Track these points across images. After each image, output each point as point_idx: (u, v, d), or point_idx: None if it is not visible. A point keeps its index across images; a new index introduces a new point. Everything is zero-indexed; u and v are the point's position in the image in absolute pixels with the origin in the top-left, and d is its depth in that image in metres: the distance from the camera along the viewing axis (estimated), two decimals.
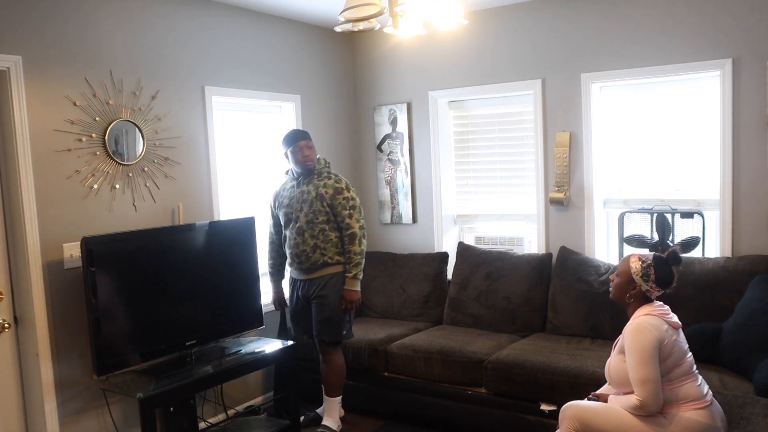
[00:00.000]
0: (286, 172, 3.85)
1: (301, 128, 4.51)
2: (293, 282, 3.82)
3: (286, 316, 4.03)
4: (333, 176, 3.71)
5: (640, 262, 2.57)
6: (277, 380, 4.02)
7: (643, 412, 2.40)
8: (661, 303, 2.58)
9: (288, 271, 3.91)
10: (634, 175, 4.10)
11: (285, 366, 3.80)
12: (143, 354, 3.24)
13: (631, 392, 2.46)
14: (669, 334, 2.45)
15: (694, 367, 2.53)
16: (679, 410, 2.41)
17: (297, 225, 3.65)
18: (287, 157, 3.71)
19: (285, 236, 3.75)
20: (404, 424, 3.83)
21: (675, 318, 2.54)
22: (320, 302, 3.66)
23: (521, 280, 4.09)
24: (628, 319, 2.59)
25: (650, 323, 2.44)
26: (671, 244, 3.83)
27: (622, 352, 2.52)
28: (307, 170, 3.68)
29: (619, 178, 4.15)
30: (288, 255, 3.76)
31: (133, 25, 3.47)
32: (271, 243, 3.89)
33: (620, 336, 2.60)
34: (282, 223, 3.77)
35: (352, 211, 3.63)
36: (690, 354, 2.53)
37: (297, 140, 3.66)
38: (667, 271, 2.55)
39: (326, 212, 3.61)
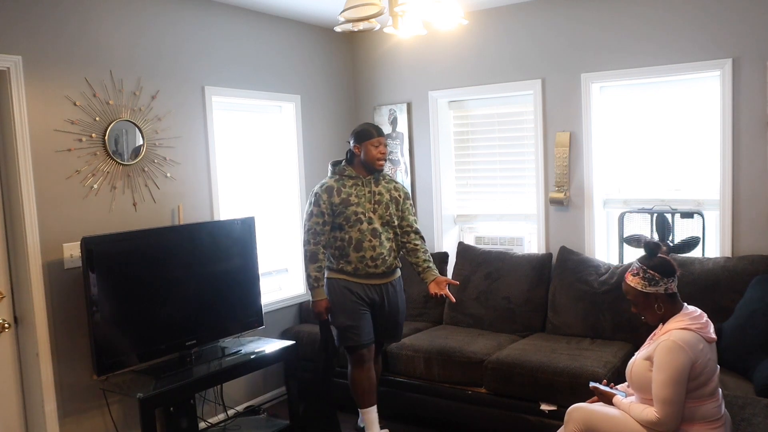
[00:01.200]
0: (337, 165, 3.51)
1: (301, 128, 4.54)
2: (348, 284, 3.42)
3: (329, 327, 3.52)
4: (397, 180, 3.65)
5: (636, 277, 2.48)
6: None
7: (659, 429, 2.33)
8: (700, 312, 2.46)
9: (333, 272, 3.48)
10: (634, 175, 4.10)
11: (290, 366, 3.79)
12: (143, 354, 3.24)
13: (648, 399, 2.39)
14: (704, 353, 2.33)
15: (719, 387, 2.44)
16: (696, 429, 2.34)
17: (371, 227, 3.39)
18: (359, 150, 3.43)
19: (348, 238, 3.38)
20: (404, 424, 3.83)
21: (712, 331, 2.42)
22: (395, 307, 3.54)
23: (521, 280, 4.09)
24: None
25: (686, 342, 2.30)
26: (671, 244, 3.83)
27: (649, 359, 2.41)
28: (378, 169, 3.48)
29: (619, 178, 4.15)
30: (351, 258, 3.38)
31: (133, 25, 3.48)
32: (318, 243, 3.41)
33: (651, 339, 2.50)
34: (339, 223, 3.40)
35: (415, 217, 3.64)
36: (718, 369, 2.44)
37: (377, 135, 3.44)
38: (660, 262, 2.47)
39: (397, 216, 3.52)
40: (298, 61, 4.52)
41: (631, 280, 2.49)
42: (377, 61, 4.88)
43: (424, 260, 3.53)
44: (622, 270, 3.76)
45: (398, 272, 3.57)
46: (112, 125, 3.34)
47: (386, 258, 3.44)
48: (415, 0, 2.38)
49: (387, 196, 3.48)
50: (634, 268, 2.50)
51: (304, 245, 3.43)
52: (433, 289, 3.44)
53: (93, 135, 3.28)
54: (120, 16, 3.42)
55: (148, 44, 3.55)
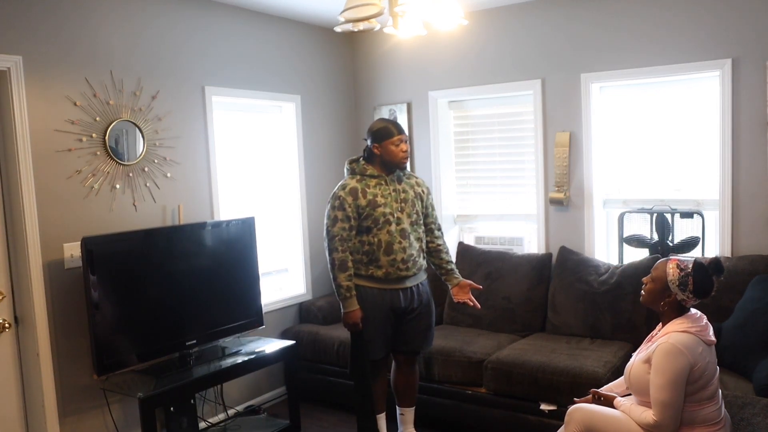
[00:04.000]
0: (355, 162, 3.29)
1: (302, 128, 4.54)
2: (378, 293, 3.22)
3: (362, 337, 3.26)
4: (416, 175, 3.51)
5: (679, 270, 2.37)
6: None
7: (656, 431, 2.33)
8: (700, 314, 2.44)
9: (362, 280, 3.24)
10: (633, 175, 4.11)
11: (290, 366, 3.79)
12: (143, 354, 3.24)
13: (647, 401, 2.38)
14: (703, 357, 2.30)
15: (719, 389, 2.42)
16: None
17: (399, 227, 3.20)
18: (378, 150, 3.21)
19: (377, 241, 3.17)
20: None
21: (711, 334, 2.39)
22: (424, 310, 3.35)
23: (521, 280, 4.09)
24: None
25: (685, 345, 2.28)
26: (671, 244, 3.84)
27: (647, 361, 2.39)
28: (400, 167, 3.27)
29: (619, 178, 4.16)
30: (382, 263, 3.18)
31: (133, 25, 3.48)
32: (347, 251, 3.18)
33: (649, 341, 2.48)
34: (367, 226, 3.18)
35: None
36: (718, 372, 2.41)
37: (398, 133, 3.21)
38: (707, 281, 2.37)
39: (423, 213, 3.36)
40: (298, 61, 4.52)
41: (671, 267, 2.41)
42: (377, 61, 4.88)
43: (447, 261, 3.44)
44: (622, 270, 3.76)
45: (424, 273, 3.38)
46: (112, 125, 3.34)
47: (416, 259, 3.27)
48: (415, 0, 2.38)
49: (411, 193, 3.30)
50: (686, 263, 2.42)
51: (331, 253, 3.17)
52: (457, 296, 3.39)
53: (93, 135, 3.28)
54: (120, 16, 3.42)
55: (148, 44, 3.55)
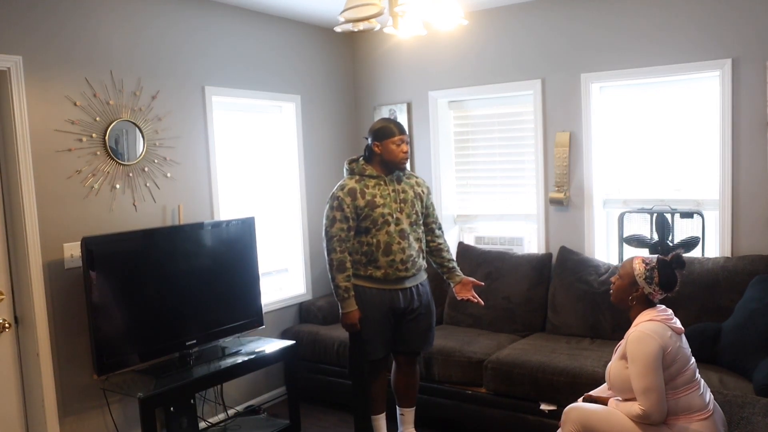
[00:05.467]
0: (354, 162, 3.28)
1: (302, 128, 4.54)
2: (377, 293, 3.20)
3: (361, 338, 3.26)
4: (416, 174, 3.47)
5: (644, 265, 2.51)
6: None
7: (647, 421, 2.35)
8: (664, 307, 2.54)
9: (360, 280, 3.23)
10: (633, 175, 4.11)
11: (290, 366, 3.79)
12: (143, 354, 3.24)
13: (633, 398, 2.41)
14: (673, 341, 2.39)
15: (698, 374, 2.48)
16: (683, 422, 2.37)
17: (399, 228, 3.18)
18: (378, 148, 3.19)
19: (376, 242, 3.16)
20: None
21: (678, 323, 2.49)
22: (424, 311, 3.33)
23: (521, 280, 4.09)
24: (628, 320, 2.57)
25: (654, 330, 2.38)
26: (671, 244, 3.84)
27: (623, 357, 2.47)
28: (400, 168, 3.26)
29: (619, 178, 4.16)
30: (381, 263, 3.17)
31: (133, 25, 3.48)
32: (345, 251, 3.17)
33: (622, 340, 2.55)
34: (366, 227, 3.17)
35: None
36: (693, 360, 2.48)
37: (399, 133, 3.20)
38: (671, 275, 2.50)
39: (423, 213, 3.35)
40: (298, 61, 4.52)
41: (637, 263, 2.54)
42: (377, 61, 4.88)
43: (449, 260, 3.44)
44: None
45: (425, 274, 3.37)
46: (112, 125, 3.34)
47: (416, 260, 3.25)
48: (415, 0, 2.38)
49: (411, 193, 3.28)
50: (650, 258, 2.55)
51: (329, 254, 3.16)
52: (460, 293, 3.40)
53: (93, 135, 3.28)
54: (120, 16, 3.42)
55: (148, 44, 3.55)
